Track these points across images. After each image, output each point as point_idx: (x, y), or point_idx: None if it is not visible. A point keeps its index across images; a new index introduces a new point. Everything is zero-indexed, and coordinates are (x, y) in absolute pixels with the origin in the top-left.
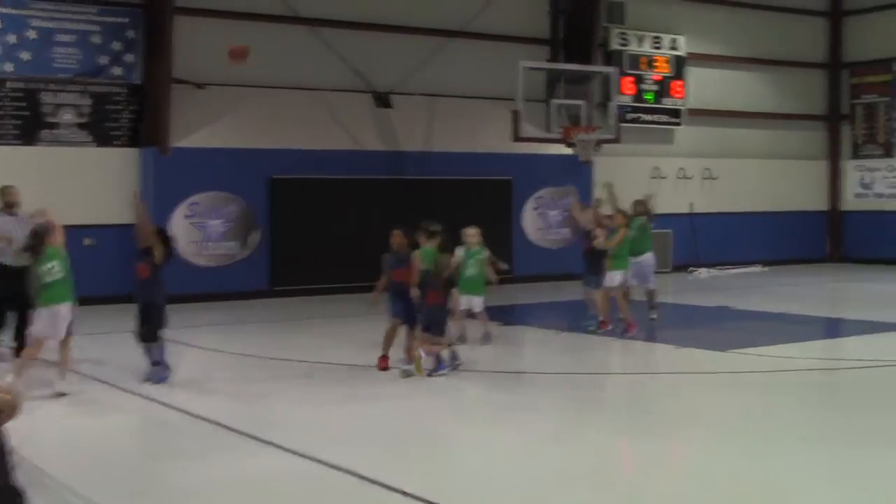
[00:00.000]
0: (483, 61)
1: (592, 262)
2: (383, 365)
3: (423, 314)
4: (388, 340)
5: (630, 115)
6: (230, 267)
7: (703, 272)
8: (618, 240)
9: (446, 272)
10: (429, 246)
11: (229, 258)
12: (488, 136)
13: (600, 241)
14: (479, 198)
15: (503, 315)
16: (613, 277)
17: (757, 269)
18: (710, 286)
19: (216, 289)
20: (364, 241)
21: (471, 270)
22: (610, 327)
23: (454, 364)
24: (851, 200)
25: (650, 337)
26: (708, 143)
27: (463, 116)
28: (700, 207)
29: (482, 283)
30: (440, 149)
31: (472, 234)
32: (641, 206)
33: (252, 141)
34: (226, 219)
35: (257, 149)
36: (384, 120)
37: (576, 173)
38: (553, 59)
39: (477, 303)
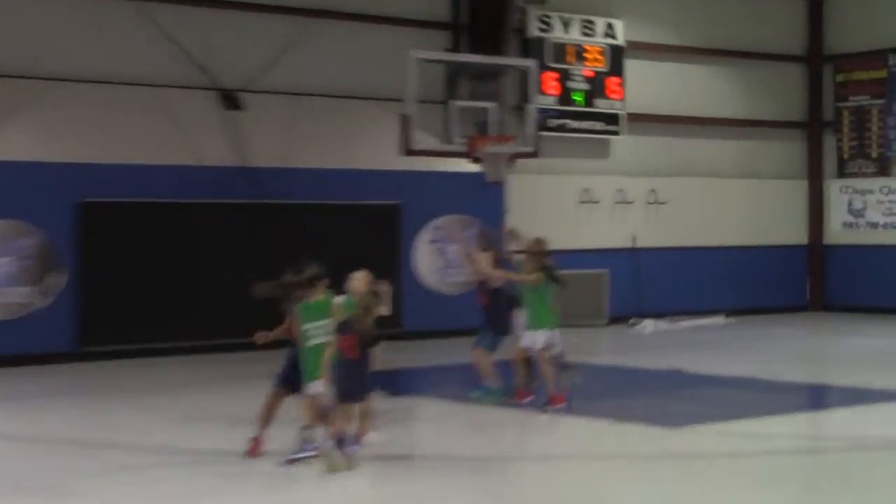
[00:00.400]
0: (362, 50)
1: (493, 317)
2: (254, 449)
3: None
4: (267, 415)
5: (553, 122)
6: (23, 320)
7: (648, 325)
8: (529, 277)
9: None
10: (318, 295)
11: (22, 308)
12: (369, 147)
13: (500, 276)
14: (356, 228)
15: (390, 382)
16: (536, 337)
17: (718, 320)
18: (658, 343)
19: (3, 349)
20: (204, 286)
21: None
22: (528, 399)
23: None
24: (838, 231)
25: (579, 409)
26: (654, 157)
27: (335, 122)
28: (644, 241)
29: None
30: (306, 164)
31: (359, 279)
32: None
33: (55, 152)
34: (17, 256)
35: (62, 163)
36: (233, 126)
37: (483, 197)
38: (454, 48)
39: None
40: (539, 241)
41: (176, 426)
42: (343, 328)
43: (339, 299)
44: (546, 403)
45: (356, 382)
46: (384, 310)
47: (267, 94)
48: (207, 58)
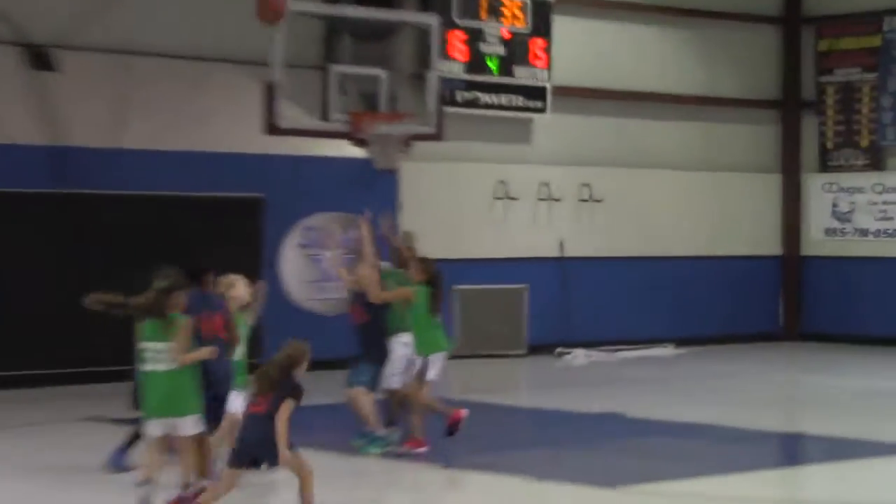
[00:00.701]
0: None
1: (372, 342)
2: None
3: None
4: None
5: (462, 96)
6: None
7: (579, 355)
8: (402, 294)
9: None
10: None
11: None
12: (222, 124)
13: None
14: (203, 229)
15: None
16: (433, 364)
17: (667, 351)
18: (591, 379)
19: None
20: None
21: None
22: (423, 449)
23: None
24: (819, 240)
25: (493, 463)
26: (588, 143)
27: (177, 91)
28: (575, 248)
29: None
30: (137, 145)
31: (240, 285)
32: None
33: None
34: None
35: None
36: (43, 92)
37: (369, 189)
38: None
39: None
40: (409, 237)
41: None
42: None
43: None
44: (399, 443)
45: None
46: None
47: (87, 51)
48: (10, 3)
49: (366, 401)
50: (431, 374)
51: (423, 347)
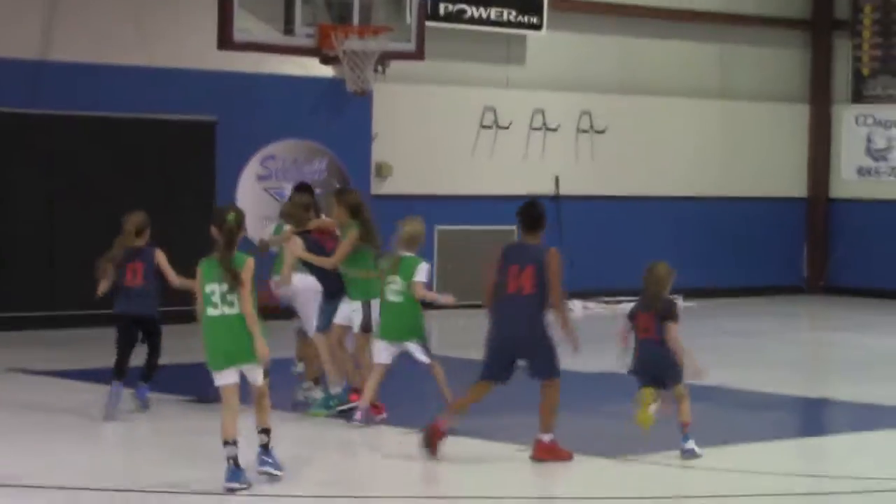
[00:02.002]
0: None
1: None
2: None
3: None
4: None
5: (445, 8)
6: None
7: (576, 307)
8: (344, 251)
9: None
10: None
11: None
12: (169, 36)
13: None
14: (147, 156)
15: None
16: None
17: (678, 303)
18: (588, 333)
19: None
20: None
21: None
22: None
23: None
24: (850, 181)
25: (482, 429)
26: (592, 65)
27: None
28: (572, 186)
29: None
30: (73, 58)
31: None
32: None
33: None
34: None
35: None
36: None
37: (339, 113)
38: None
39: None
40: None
41: None
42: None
43: None
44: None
45: None
46: None
47: None
48: None
49: (318, 345)
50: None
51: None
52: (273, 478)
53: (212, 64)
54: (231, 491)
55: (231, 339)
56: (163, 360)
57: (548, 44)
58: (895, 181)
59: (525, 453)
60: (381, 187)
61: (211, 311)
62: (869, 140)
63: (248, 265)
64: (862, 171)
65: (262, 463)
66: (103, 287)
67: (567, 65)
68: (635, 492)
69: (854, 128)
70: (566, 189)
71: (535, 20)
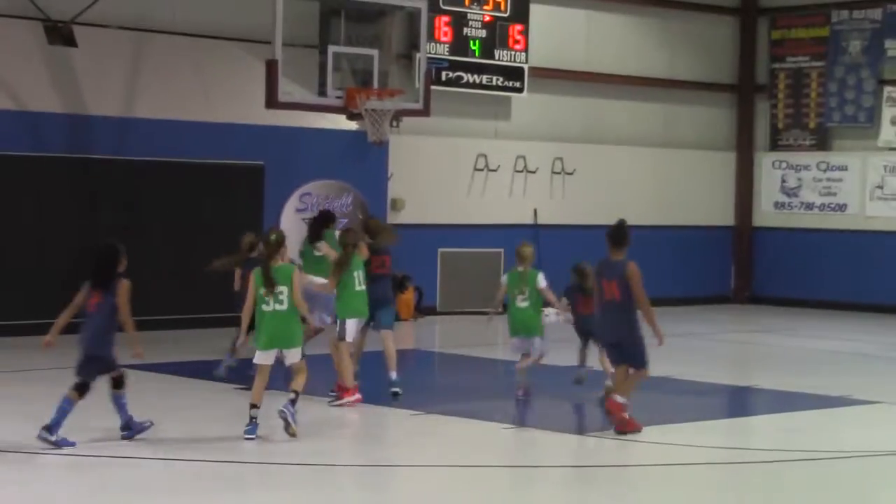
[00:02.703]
0: None
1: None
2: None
3: None
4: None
5: (446, 75)
6: None
7: (551, 314)
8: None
9: None
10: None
11: None
12: (227, 97)
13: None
14: (208, 192)
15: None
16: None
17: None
18: (561, 335)
19: None
20: (23, 256)
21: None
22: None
23: None
24: (769, 213)
25: (462, 410)
26: (561, 120)
27: (186, 65)
28: (548, 217)
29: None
30: (149, 114)
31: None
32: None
33: None
34: None
35: None
36: (63, 65)
37: (362, 160)
38: None
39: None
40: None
41: None
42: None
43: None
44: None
45: None
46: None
47: (104, 28)
48: None
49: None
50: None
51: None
52: (286, 425)
53: (260, 119)
54: (248, 440)
55: (275, 328)
56: None
57: (528, 103)
58: (804, 213)
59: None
60: (395, 218)
61: (263, 307)
62: (783, 180)
63: (294, 273)
64: (778, 205)
65: (285, 412)
66: (238, 284)
67: (543, 120)
68: (593, 461)
69: (771, 170)
70: (543, 219)
71: (517, 84)
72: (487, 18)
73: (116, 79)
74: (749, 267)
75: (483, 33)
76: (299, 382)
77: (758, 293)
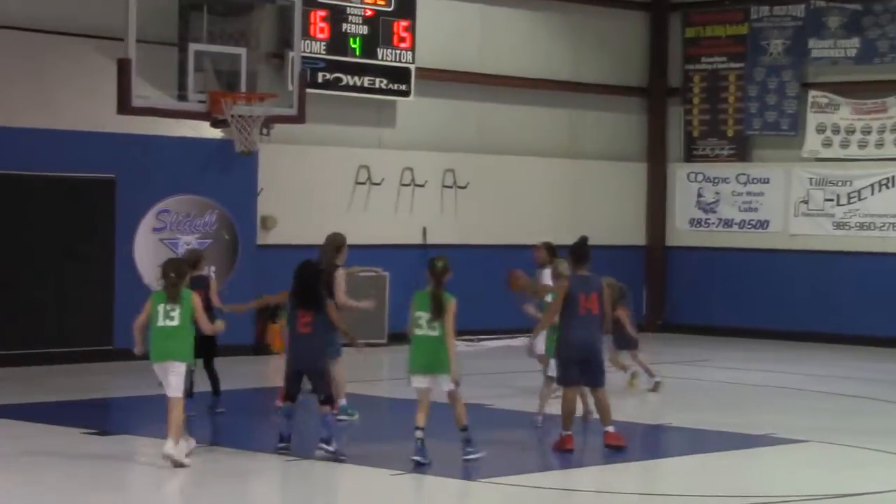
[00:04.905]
0: None
1: None
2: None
3: None
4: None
5: (323, 77)
6: None
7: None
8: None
9: None
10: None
11: None
12: (73, 101)
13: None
14: (52, 210)
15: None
16: None
17: (526, 340)
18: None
19: None
20: None
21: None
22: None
23: None
24: (683, 230)
25: (356, 454)
26: (453, 127)
27: (25, 65)
28: (438, 235)
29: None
30: None
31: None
32: None
33: None
34: None
35: None
36: None
37: (227, 172)
38: None
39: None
40: None
41: None
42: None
43: None
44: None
45: None
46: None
47: None
48: None
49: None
50: None
51: None
52: (473, 461)
53: (111, 126)
54: (417, 464)
55: (429, 354)
56: None
57: (415, 109)
58: (723, 231)
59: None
60: (266, 238)
61: (417, 332)
62: (699, 195)
63: (452, 302)
64: (693, 222)
65: (465, 453)
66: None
67: (432, 127)
68: None
69: (686, 184)
70: (433, 239)
71: (403, 87)
72: (369, 13)
73: None
74: (662, 291)
75: (364, 30)
76: (460, 415)
77: (671, 320)
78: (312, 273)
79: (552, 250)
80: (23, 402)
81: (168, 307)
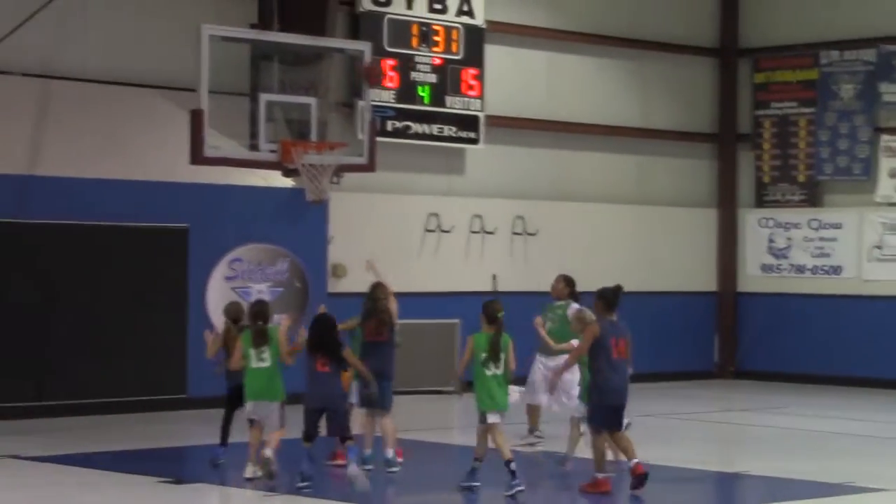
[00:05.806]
0: (139, 22)
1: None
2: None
3: None
4: None
5: (392, 125)
6: None
7: (513, 392)
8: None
9: None
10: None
11: None
12: (146, 152)
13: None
14: (126, 259)
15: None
16: None
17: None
18: (524, 416)
19: None
20: None
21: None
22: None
23: None
24: (755, 276)
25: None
26: (522, 175)
27: (100, 117)
28: (508, 283)
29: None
30: (58, 172)
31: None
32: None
33: None
34: None
35: None
36: None
37: (298, 221)
38: (263, 24)
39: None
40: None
41: None
42: None
43: None
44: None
45: None
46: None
47: (5, 75)
48: None
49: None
50: None
51: None
52: (517, 494)
53: (184, 176)
54: (468, 489)
55: (495, 390)
56: None
57: (484, 156)
58: (795, 277)
59: None
60: (337, 286)
61: (485, 371)
62: (770, 240)
63: (510, 344)
64: (765, 268)
65: (509, 487)
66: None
67: (502, 174)
68: None
69: (757, 229)
70: (504, 286)
71: (472, 135)
72: (438, 62)
73: (16, 132)
74: (734, 337)
75: (433, 78)
76: (502, 449)
77: (743, 367)
78: (326, 324)
79: (571, 284)
80: (98, 451)
81: (259, 350)
